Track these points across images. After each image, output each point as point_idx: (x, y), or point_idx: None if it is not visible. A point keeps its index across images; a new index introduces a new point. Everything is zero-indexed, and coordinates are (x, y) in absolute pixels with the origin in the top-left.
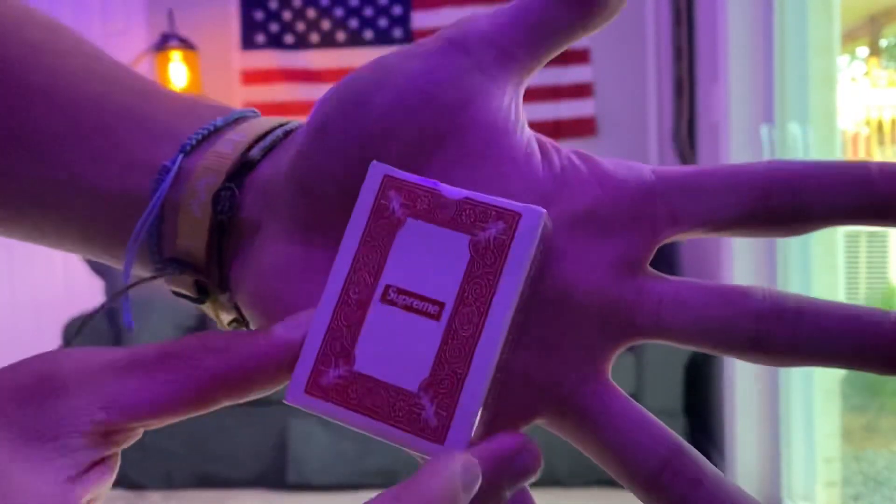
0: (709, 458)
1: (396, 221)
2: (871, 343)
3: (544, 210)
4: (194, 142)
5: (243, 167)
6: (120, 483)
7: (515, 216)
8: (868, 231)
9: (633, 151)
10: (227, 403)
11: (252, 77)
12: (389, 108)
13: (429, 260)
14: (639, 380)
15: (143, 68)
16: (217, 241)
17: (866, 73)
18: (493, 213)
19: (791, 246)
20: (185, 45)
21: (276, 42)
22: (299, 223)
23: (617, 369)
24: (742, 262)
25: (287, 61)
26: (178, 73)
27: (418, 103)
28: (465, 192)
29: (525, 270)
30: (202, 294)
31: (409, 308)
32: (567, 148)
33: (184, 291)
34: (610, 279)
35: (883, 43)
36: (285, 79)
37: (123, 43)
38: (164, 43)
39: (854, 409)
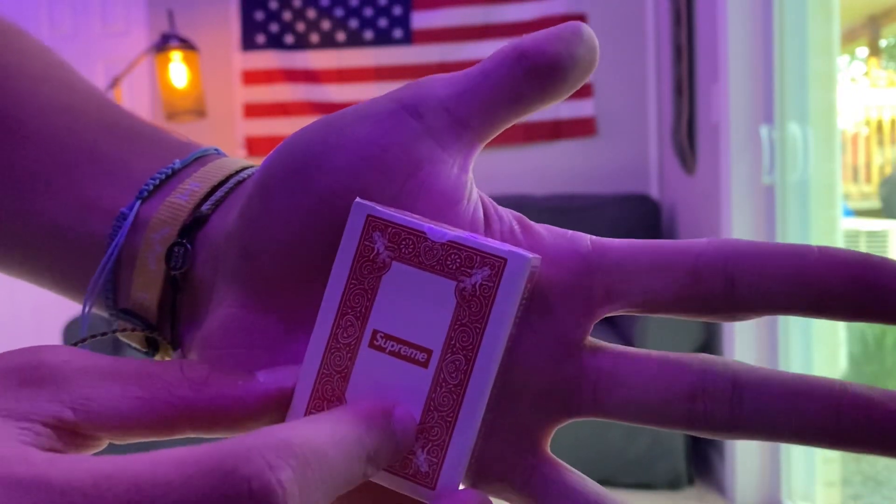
0: (709, 458)
1: (381, 265)
2: (816, 423)
3: (530, 255)
4: (151, 187)
5: (196, 221)
6: None
7: (501, 262)
8: (867, 230)
9: (633, 151)
10: (191, 434)
11: (252, 77)
12: (339, 173)
13: (415, 305)
14: None
15: (144, 69)
16: (171, 297)
17: (866, 74)
18: (479, 258)
19: None
20: (186, 45)
21: (276, 42)
22: (245, 287)
23: None
24: None
25: (287, 61)
26: (178, 74)
27: (367, 169)
28: (450, 234)
29: (511, 318)
30: (152, 348)
31: (396, 354)
32: (509, 212)
33: (134, 344)
34: (548, 358)
35: (882, 43)
36: (285, 79)
37: (124, 43)
38: (164, 43)
39: None
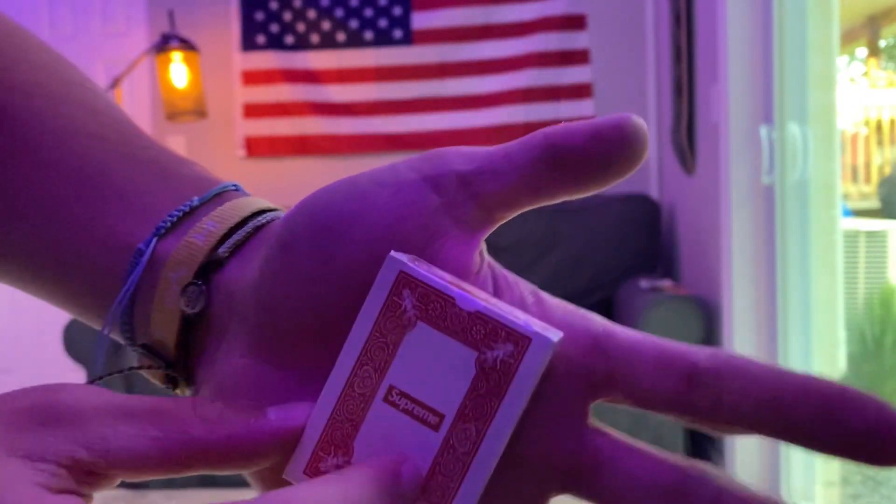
0: (709, 458)
1: (407, 322)
2: None
3: (555, 338)
4: (169, 224)
5: (212, 263)
6: (121, 482)
7: (526, 340)
8: (867, 230)
9: None
10: (204, 472)
11: (252, 77)
12: (359, 244)
13: (434, 369)
14: None
15: (144, 69)
16: (185, 335)
17: (865, 74)
18: (504, 332)
19: (790, 246)
20: (186, 45)
21: (276, 43)
22: (259, 339)
23: None
24: (741, 261)
25: (287, 62)
26: (178, 74)
27: (386, 238)
28: (478, 305)
29: (528, 396)
30: (171, 383)
31: (409, 413)
32: (524, 283)
33: (154, 380)
34: (553, 430)
35: (882, 43)
36: (285, 79)
37: (124, 43)
38: (164, 43)
39: None
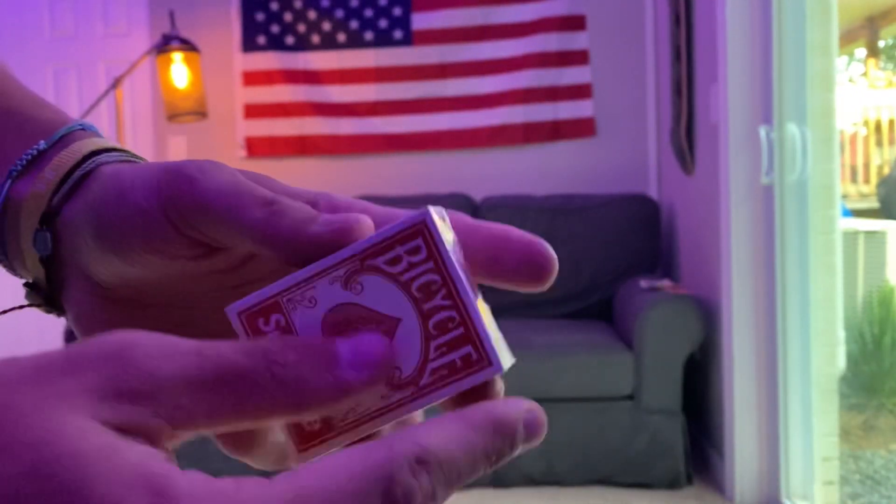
0: (708, 457)
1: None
2: None
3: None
4: (20, 167)
5: (53, 209)
6: None
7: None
8: (866, 230)
9: (632, 152)
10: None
11: (253, 78)
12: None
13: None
14: (637, 379)
15: (145, 69)
16: (49, 274)
17: (864, 74)
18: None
19: (789, 246)
20: (187, 46)
21: (276, 43)
22: (94, 282)
23: (616, 368)
24: (741, 261)
25: (288, 62)
26: (179, 75)
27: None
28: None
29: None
30: (56, 312)
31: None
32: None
33: (43, 311)
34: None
35: (881, 44)
36: (286, 80)
37: (125, 44)
38: (165, 44)
39: (852, 408)
